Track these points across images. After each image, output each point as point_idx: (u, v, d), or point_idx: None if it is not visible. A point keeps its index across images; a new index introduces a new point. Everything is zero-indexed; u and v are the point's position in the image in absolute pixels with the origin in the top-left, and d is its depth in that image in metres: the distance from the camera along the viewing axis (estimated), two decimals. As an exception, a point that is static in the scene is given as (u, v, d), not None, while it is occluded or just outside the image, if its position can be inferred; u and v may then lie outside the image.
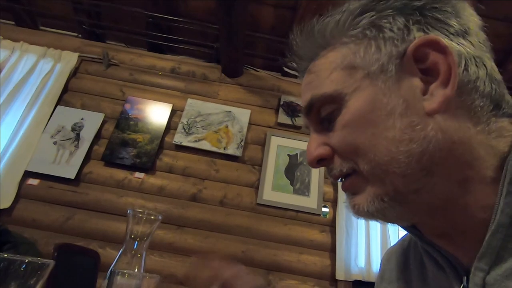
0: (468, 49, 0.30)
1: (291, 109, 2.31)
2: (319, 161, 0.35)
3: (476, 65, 0.30)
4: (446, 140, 0.28)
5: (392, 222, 0.33)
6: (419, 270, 0.39)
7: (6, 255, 0.41)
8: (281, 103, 2.32)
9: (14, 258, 0.42)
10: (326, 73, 0.33)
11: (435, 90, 0.29)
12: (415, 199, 0.30)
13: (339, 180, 0.35)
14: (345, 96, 0.32)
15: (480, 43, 0.31)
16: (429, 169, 0.29)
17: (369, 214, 0.32)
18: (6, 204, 1.81)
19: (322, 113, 0.34)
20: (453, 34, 0.30)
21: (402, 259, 0.43)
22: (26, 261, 0.42)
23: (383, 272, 0.46)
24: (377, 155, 0.30)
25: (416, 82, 0.30)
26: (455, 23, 0.30)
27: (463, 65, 0.29)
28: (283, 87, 2.43)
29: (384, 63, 0.30)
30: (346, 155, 0.32)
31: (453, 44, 0.30)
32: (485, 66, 0.30)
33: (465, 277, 0.30)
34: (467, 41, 0.30)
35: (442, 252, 0.32)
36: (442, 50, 0.29)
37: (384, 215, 0.32)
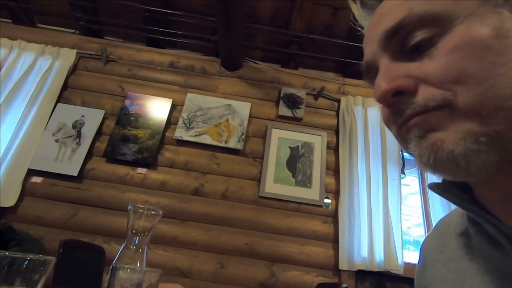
0: None
1: (292, 101, 2.30)
2: (396, 94, 0.29)
3: None
4: None
5: (468, 176, 0.27)
6: (465, 251, 0.36)
7: (7, 252, 0.42)
8: (282, 95, 2.31)
9: (17, 255, 0.42)
10: None
11: None
12: None
13: (409, 121, 0.28)
14: (456, 19, 0.27)
15: None
16: None
17: (451, 157, 0.26)
18: (11, 202, 1.83)
19: (414, 39, 0.28)
20: None
21: (440, 242, 0.40)
22: (28, 258, 0.43)
23: (424, 259, 0.43)
24: (496, 85, 0.25)
25: None
26: None
27: None
28: (283, 79, 2.41)
29: None
30: (445, 84, 0.27)
31: None
32: None
33: None
34: None
35: (504, 229, 0.28)
36: None
37: (469, 162, 0.26)
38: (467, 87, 0.26)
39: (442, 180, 0.34)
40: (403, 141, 0.30)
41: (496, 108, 0.25)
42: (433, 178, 1.84)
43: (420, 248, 0.46)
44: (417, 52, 0.28)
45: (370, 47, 0.32)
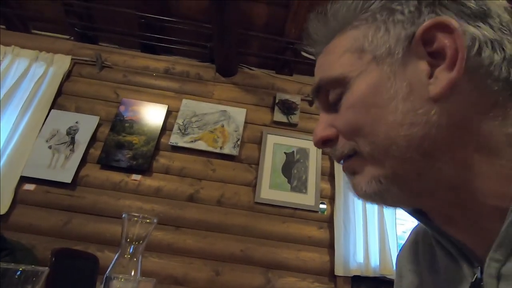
0: (486, 32, 0.28)
1: (287, 107, 2.31)
2: (324, 142, 0.35)
3: (493, 49, 0.28)
4: (450, 125, 0.28)
5: (393, 205, 0.33)
6: (429, 262, 0.38)
7: (-1, 263, 0.41)
8: (276, 101, 2.32)
9: (8, 266, 0.42)
10: (336, 56, 0.34)
11: (440, 73, 0.28)
12: (418, 183, 0.29)
13: (340, 162, 0.36)
14: (350, 80, 0.32)
15: (502, 25, 0.29)
16: (431, 154, 0.28)
17: (367, 196, 0.32)
18: (2, 210, 1.80)
19: (330, 96, 0.35)
20: (469, 16, 0.29)
21: (412, 253, 0.43)
22: (20, 269, 0.42)
23: (399, 270, 0.45)
24: (377, 137, 0.30)
25: (423, 66, 0.29)
26: (472, 5, 0.29)
27: (475, 49, 0.28)
28: (278, 84, 2.43)
29: (392, 45, 0.30)
30: (349, 136, 0.33)
31: (468, 27, 0.28)
32: (504, 50, 0.28)
33: (479, 268, 0.29)
34: (485, 23, 0.29)
35: (455, 242, 0.31)
36: (451, 32, 0.28)
37: (382, 198, 0.31)
38: (362, 139, 0.31)
39: None
40: None
41: (384, 155, 0.30)
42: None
43: (396, 257, 0.48)
44: (335, 106, 0.34)
45: (314, 98, 0.40)
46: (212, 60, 2.40)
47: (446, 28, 0.28)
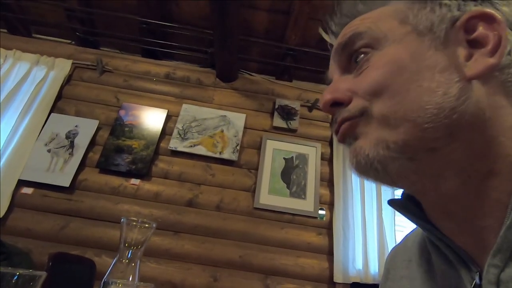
0: None
1: (286, 113, 2.32)
2: (333, 104, 0.33)
3: None
4: (478, 110, 0.28)
5: (391, 182, 0.31)
6: (425, 268, 0.37)
7: (-4, 267, 0.41)
8: (276, 106, 2.33)
9: (6, 271, 0.41)
10: (375, 18, 0.33)
11: (480, 57, 0.29)
12: (428, 158, 0.28)
13: (340, 128, 0.33)
14: (387, 41, 0.31)
15: None
16: (454, 130, 0.28)
17: (368, 163, 0.30)
18: (-1, 213, 1.79)
19: (357, 55, 0.33)
20: (507, 20, 0.29)
21: (405, 257, 0.42)
22: (18, 273, 0.42)
23: (387, 272, 0.45)
24: (405, 98, 0.29)
25: (461, 50, 0.30)
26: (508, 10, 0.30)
27: (507, 50, 0.29)
28: (278, 90, 2.44)
29: (435, 23, 0.30)
30: (367, 96, 0.31)
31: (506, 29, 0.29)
32: None
33: (478, 274, 0.29)
34: None
35: (453, 247, 0.31)
36: (495, 23, 0.29)
37: (384, 166, 0.29)
38: (382, 98, 0.30)
39: (401, 197, 0.36)
40: (342, 145, 0.35)
41: (402, 119, 0.28)
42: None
43: (386, 259, 0.47)
44: (359, 67, 0.33)
45: (331, 64, 0.38)
46: (213, 65, 2.42)
47: (490, 20, 0.29)
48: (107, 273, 0.53)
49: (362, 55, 0.33)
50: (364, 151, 0.30)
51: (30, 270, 0.44)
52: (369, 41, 0.32)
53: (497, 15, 0.29)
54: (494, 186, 0.28)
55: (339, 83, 0.34)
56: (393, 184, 0.32)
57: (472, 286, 0.29)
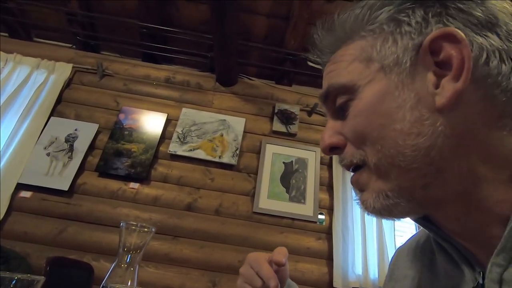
0: (493, 42, 0.28)
1: (286, 117, 2.33)
2: (331, 149, 0.36)
3: (501, 59, 0.28)
4: (456, 135, 0.28)
5: (401, 217, 0.33)
6: (429, 267, 0.38)
7: (-5, 272, 0.40)
8: (276, 111, 2.34)
9: (4, 275, 0.41)
10: (345, 64, 0.34)
11: (446, 83, 0.28)
12: (424, 194, 0.30)
13: (350, 170, 0.36)
14: (359, 87, 0.32)
15: (510, 34, 0.29)
16: (438, 164, 0.28)
17: (376, 211, 0.32)
18: (-3, 217, 1.78)
19: (338, 102, 0.35)
20: (476, 26, 0.29)
21: (409, 258, 0.43)
22: (16, 277, 0.42)
23: (391, 272, 0.46)
24: (384, 146, 0.30)
25: (430, 76, 0.29)
26: (479, 14, 0.29)
27: (483, 59, 0.28)
28: (277, 95, 2.45)
29: (399, 55, 0.30)
30: (357, 145, 0.33)
31: (476, 37, 0.28)
32: None
33: (481, 274, 0.29)
34: (493, 32, 0.28)
35: (458, 247, 0.32)
36: (458, 42, 0.28)
37: (390, 212, 0.31)
38: (369, 148, 0.31)
39: None
40: None
41: (390, 166, 0.30)
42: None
43: (391, 260, 0.48)
44: (343, 113, 0.35)
45: (320, 93, 0.39)
46: (212, 69, 2.43)
47: (452, 38, 0.28)
48: (106, 277, 0.52)
49: (342, 102, 0.35)
50: (370, 204, 0.32)
51: (28, 275, 0.44)
52: (343, 90, 0.34)
53: (458, 32, 0.28)
54: (494, 200, 0.28)
55: (333, 128, 0.36)
56: (403, 218, 0.34)
57: (475, 285, 0.29)
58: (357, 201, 0.35)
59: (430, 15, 0.30)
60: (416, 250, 0.42)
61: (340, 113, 0.35)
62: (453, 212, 0.31)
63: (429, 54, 0.29)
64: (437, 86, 0.29)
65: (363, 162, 0.32)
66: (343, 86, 0.34)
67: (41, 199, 1.90)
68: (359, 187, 0.34)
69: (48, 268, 1.33)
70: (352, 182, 0.35)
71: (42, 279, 0.45)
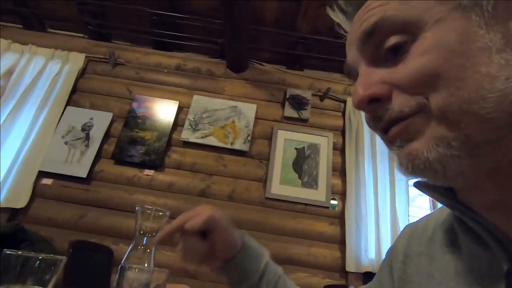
0: None
1: (297, 102, 2.30)
2: (371, 101, 0.29)
3: None
4: None
5: (446, 181, 0.28)
6: (450, 248, 0.36)
7: (20, 252, 0.43)
8: (287, 96, 2.31)
9: (29, 255, 0.44)
10: None
11: None
12: (487, 153, 0.26)
13: (384, 131, 0.30)
14: (425, 25, 0.27)
15: None
16: None
17: (428, 165, 0.27)
18: (22, 203, 1.87)
19: (390, 42, 0.29)
20: None
21: (426, 235, 0.40)
22: (40, 257, 0.44)
23: (398, 247, 0.43)
24: (462, 88, 0.25)
25: None
26: None
27: None
28: (289, 80, 2.42)
29: None
30: (417, 89, 0.27)
31: None
32: None
33: None
34: None
35: (489, 228, 0.28)
36: None
37: (443, 167, 0.26)
38: (439, 89, 0.26)
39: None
40: (388, 145, 0.31)
41: (463, 112, 0.25)
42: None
43: (400, 234, 0.45)
44: (392, 57, 0.29)
45: (351, 51, 0.33)
46: (223, 56, 2.41)
47: None
48: (124, 258, 0.55)
49: (395, 42, 0.28)
50: (423, 153, 0.27)
51: (51, 255, 0.46)
52: (401, 26, 0.28)
53: None
54: None
55: (371, 76, 0.30)
56: (444, 183, 0.29)
57: (510, 266, 0.27)
58: (400, 153, 0.29)
59: None
60: (435, 230, 0.40)
61: (389, 56, 0.29)
62: (503, 183, 0.27)
63: None
64: None
65: (420, 108, 0.27)
66: (403, 21, 0.28)
67: (62, 186, 1.98)
68: (408, 136, 0.28)
69: (71, 251, 1.40)
70: (397, 133, 0.29)
71: (64, 258, 0.47)
